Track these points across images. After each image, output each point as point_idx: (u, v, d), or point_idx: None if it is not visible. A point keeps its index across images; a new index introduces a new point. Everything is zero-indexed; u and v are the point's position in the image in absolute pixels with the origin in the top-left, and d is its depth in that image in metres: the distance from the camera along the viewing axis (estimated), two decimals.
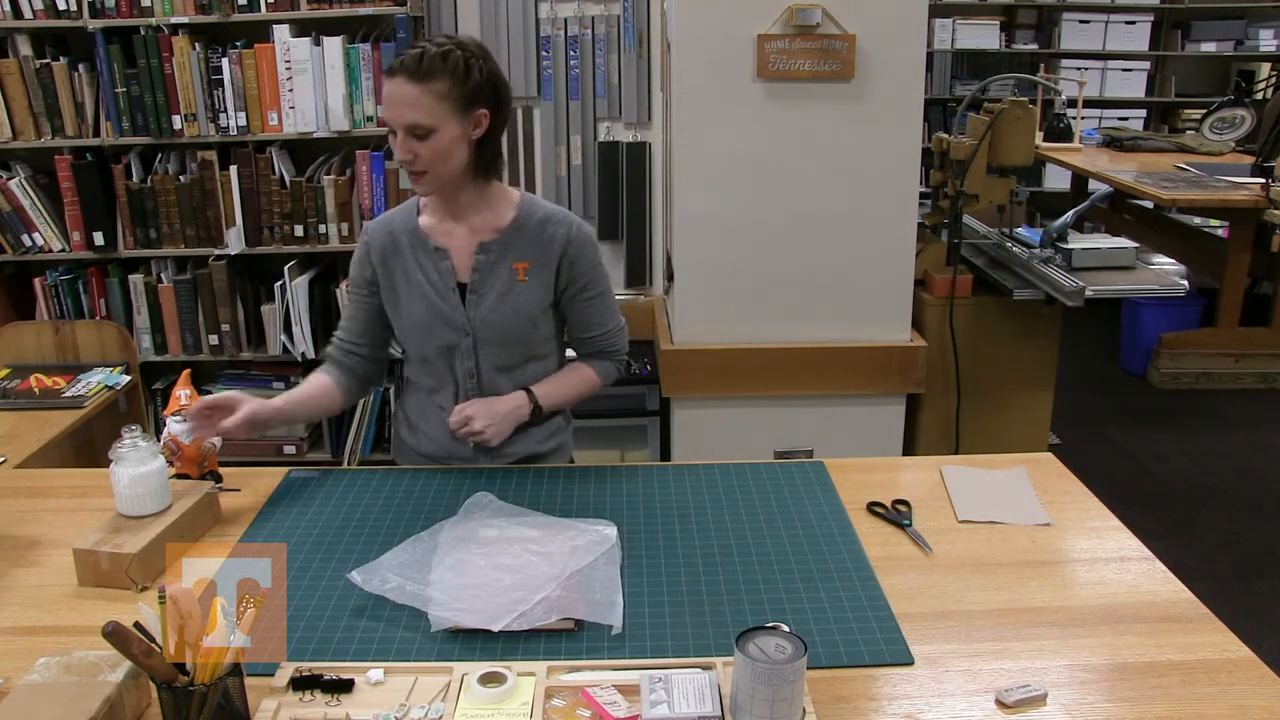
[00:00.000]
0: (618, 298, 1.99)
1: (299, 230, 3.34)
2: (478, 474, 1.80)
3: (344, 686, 1.20)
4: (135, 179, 3.33)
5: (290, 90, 3.23)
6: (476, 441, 1.80)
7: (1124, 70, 6.09)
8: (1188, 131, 5.50)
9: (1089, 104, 5.49)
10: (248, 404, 1.70)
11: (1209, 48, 6.04)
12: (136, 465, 1.53)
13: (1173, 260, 4.95)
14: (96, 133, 3.31)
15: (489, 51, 1.75)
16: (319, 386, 1.89)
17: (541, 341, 1.87)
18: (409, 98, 1.65)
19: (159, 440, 1.73)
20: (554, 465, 1.90)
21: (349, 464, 3.55)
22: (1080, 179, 5.32)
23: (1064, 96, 5.16)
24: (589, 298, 1.87)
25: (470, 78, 1.69)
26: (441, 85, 1.66)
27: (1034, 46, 6.07)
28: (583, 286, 1.86)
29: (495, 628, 1.31)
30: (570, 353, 1.98)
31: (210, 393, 3.42)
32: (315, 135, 3.27)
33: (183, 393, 1.73)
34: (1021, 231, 3.32)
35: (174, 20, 3.18)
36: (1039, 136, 4.49)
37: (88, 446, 2.76)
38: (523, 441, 1.88)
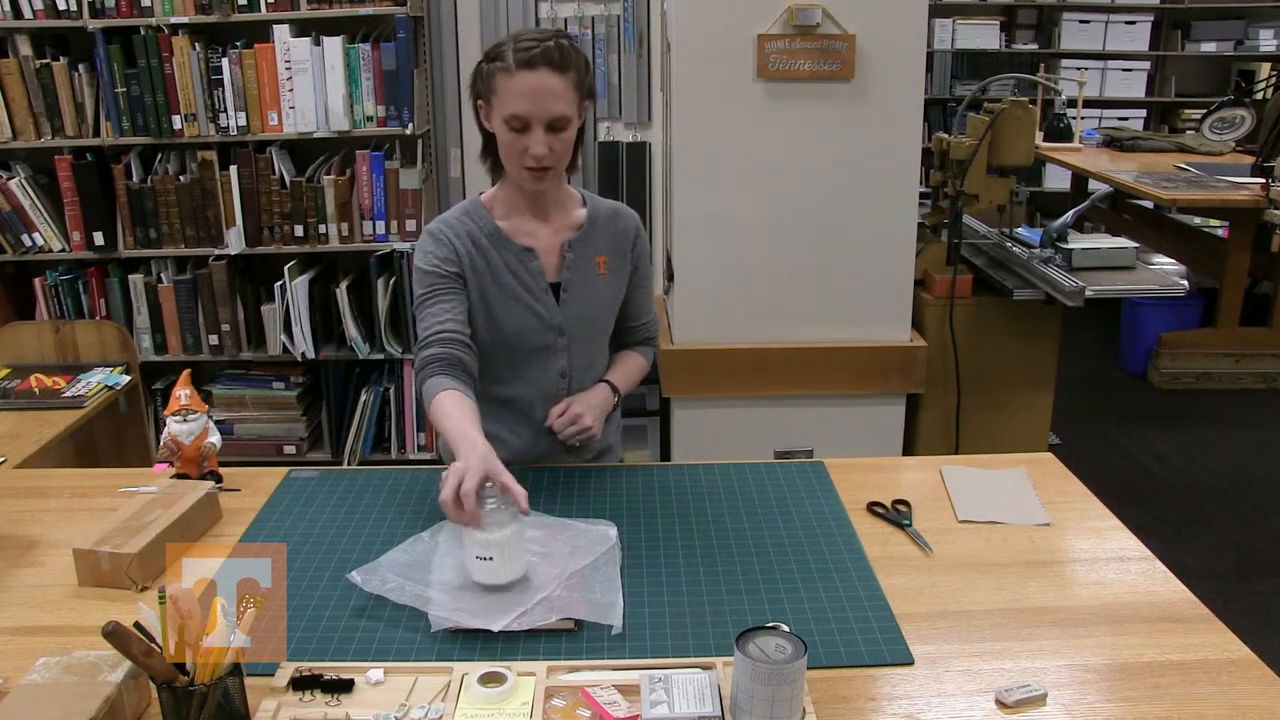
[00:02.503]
0: None
1: (299, 230, 3.34)
2: None
3: (344, 686, 1.20)
4: (135, 179, 3.33)
5: (290, 90, 3.23)
6: (584, 440, 1.78)
7: (1124, 70, 6.09)
8: (1188, 131, 5.50)
9: (1089, 104, 5.49)
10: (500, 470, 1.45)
11: (1209, 48, 6.04)
12: (497, 529, 1.38)
13: (1173, 260, 4.95)
14: (96, 133, 3.31)
15: None
16: (469, 404, 1.61)
17: (609, 333, 1.90)
18: (557, 89, 1.61)
19: (159, 441, 1.73)
20: (561, 466, 1.90)
21: (349, 464, 3.55)
22: (1080, 179, 5.32)
23: (1064, 96, 5.16)
24: (645, 286, 1.91)
25: (589, 69, 1.69)
26: (575, 75, 1.64)
27: (1034, 46, 6.07)
28: (642, 275, 1.89)
29: (495, 628, 1.31)
30: None
31: (210, 393, 3.46)
32: (315, 135, 3.27)
33: (183, 393, 1.73)
34: (1021, 231, 3.32)
35: (174, 20, 3.18)
36: (1039, 136, 4.49)
37: (88, 446, 2.76)
38: (603, 436, 1.89)
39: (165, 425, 1.72)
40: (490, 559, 1.37)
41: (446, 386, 1.62)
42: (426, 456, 3.56)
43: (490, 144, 1.73)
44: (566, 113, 1.64)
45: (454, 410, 1.57)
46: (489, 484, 1.41)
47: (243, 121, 3.27)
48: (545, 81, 1.61)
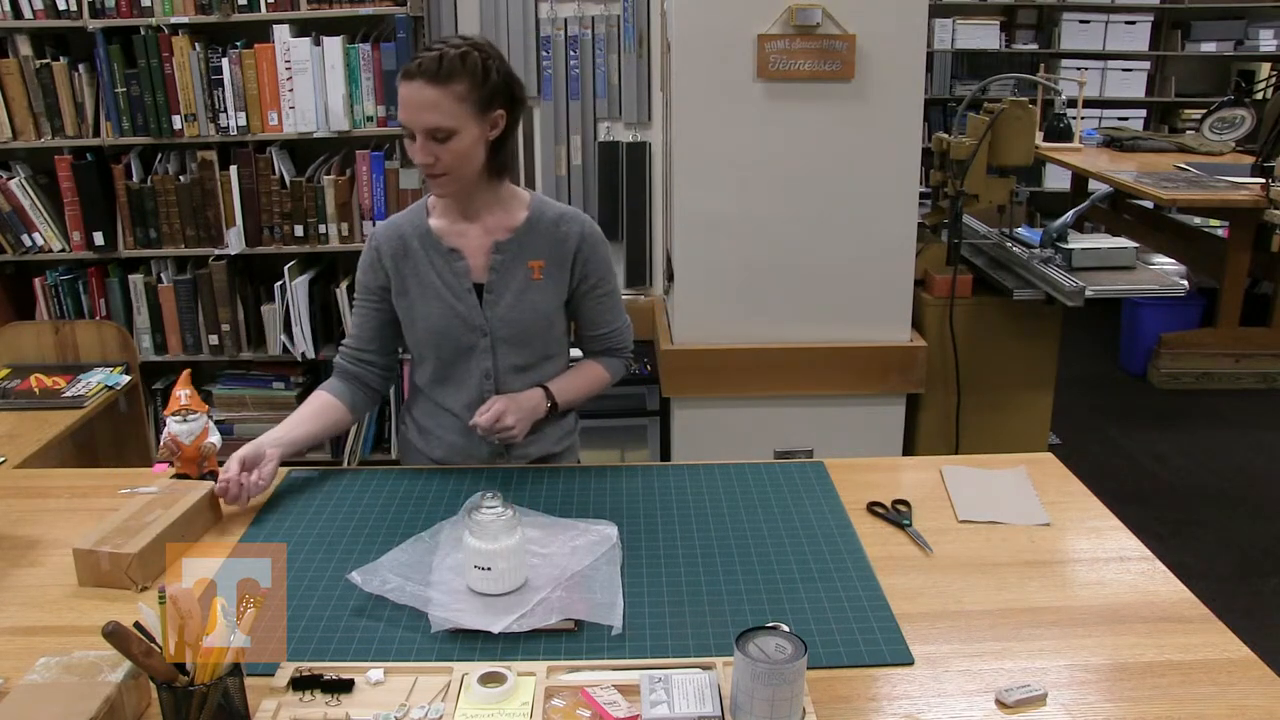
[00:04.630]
0: None
1: (299, 230, 3.34)
2: (478, 474, 1.80)
3: (344, 686, 1.20)
4: (135, 179, 3.32)
5: (290, 90, 3.23)
6: (504, 439, 1.79)
7: (1124, 70, 6.09)
8: (1188, 131, 5.50)
9: (1089, 104, 5.49)
10: (269, 454, 1.69)
11: (1209, 48, 6.04)
12: (496, 539, 1.37)
13: (1173, 260, 4.95)
14: (96, 133, 3.31)
15: (500, 52, 1.74)
16: (324, 406, 1.85)
17: (555, 340, 1.88)
18: (429, 101, 1.64)
19: (159, 442, 1.73)
20: (562, 465, 1.90)
21: (349, 464, 3.55)
22: (1080, 179, 5.32)
23: (1064, 96, 5.16)
24: (600, 295, 1.89)
25: (489, 79, 1.69)
26: (461, 87, 1.65)
27: (1034, 46, 6.07)
28: (594, 284, 1.88)
29: (495, 629, 1.31)
30: (575, 351, 1.98)
31: (210, 393, 3.45)
32: (315, 135, 3.27)
33: (183, 393, 1.73)
34: (1021, 231, 3.32)
35: (174, 20, 3.18)
36: (1039, 136, 4.49)
37: (88, 446, 2.76)
38: (539, 442, 1.89)
39: (165, 425, 1.72)
40: (489, 569, 1.37)
41: (322, 390, 1.87)
42: None
43: None
44: (443, 124, 1.66)
45: (299, 411, 1.83)
46: (490, 493, 1.42)
47: (243, 121, 3.26)
48: (419, 93, 1.65)
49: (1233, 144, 4.73)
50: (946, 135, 3.09)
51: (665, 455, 3.01)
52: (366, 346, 1.90)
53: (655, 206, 3.62)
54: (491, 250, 1.81)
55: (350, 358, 1.91)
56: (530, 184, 3.66)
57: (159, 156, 3.37)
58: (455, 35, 1.75)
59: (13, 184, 3.30)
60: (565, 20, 3.52)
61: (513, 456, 1.88)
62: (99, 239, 3.35)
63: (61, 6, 3.19)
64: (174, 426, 1.70)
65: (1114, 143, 4.97)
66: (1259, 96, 5.16)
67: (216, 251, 3.37)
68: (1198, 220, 5.06)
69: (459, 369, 1.84)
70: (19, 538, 1.60)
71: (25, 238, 3.36)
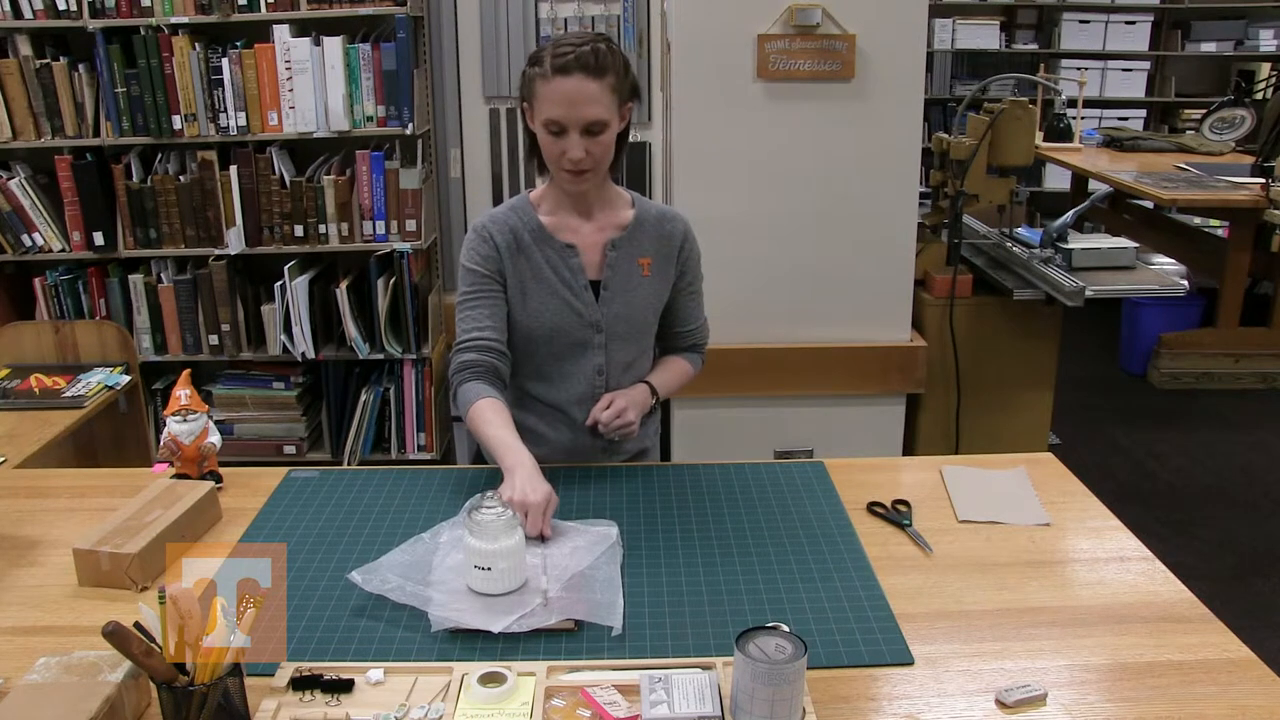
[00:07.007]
0: None
1: (299, 230, 3.34)
2: (478, 474, 1.80)
3: (344, 686, 1.20)
4: (135, 179, 3.32)
5: (290, 90, 3.23)
6: (624, 434, 1.80)
7: (1124, 70, 6.09)
8: (1188, 131, 5.50)
9: (1089, 104, 5.49)
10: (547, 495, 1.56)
11: (1209, 48, 6.04)
12: (496, 539, 1.37)
13: (1173, 260, 4.95)
14: (96, 133, 3.31)
15: None
16: (507, 413, 1.71)
17: (652, 336, 1.91)
18: (592, 94, 1.64)
19: (160, 441, 1.73)
20: (561, 466, 1.90)
21: (349, 464, 3.55)
22: (1080, 179, 5.32)
23: (1064, 96, 5.16)
24: (692, 292, 1.92)
25: (629, 72, 1.71)
26: (613, 79, 1.66)
27: (1034, 46, 6.08)
28: (690, 281, 1.90)
29: (495, 629, 1.31)
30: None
31: (210, 393, 3.46)
32: (315, 135, 3.27)
33: (183, 393, 1.73)
34: (1021, 231, 3.32)
35: (174, 20, 3.18)
36: (1039, 136, 4.49)
37: (88, 446, 2.76)
38: (639, 438, 1.92)
39: (165, 425, 1.72)
40: (489, 569, 1.37)
41: (484, 394, 1.72)
42: (426, 456, 3.56)
43: (536, 144, 1.76)
44: (602, 117, 1.66)
45: (495, 419, 1.68)
46: (490, 493, 1.42)
47: (243, 121, 3.26)
48: (581, 87, 1.63)
49: (1233, 144, 4.73)
50: (946, 135, 3.09)
51: (665, 455, 3.01)
52: (501, 337, 1.78)
53: None
54: (607, 247, 1.81)
55: (488, 350, 1.76)
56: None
57: (159, 156, 3.37)
58: (579, 31, 1.75)
59: (13, 184, 3.30)
60: (565, 20, 3.51)
61: (614, 453, 1.90)
62: (99, 239, 3.35)
63: (61, 6, 3.19)
64: (174, 426, 1.70)
65: (1114, 143, 4.97)
66: (1259, 96, 5.17)
67: (216, 251, 3.37)
68: (1198, 220, 5.07)
69: (569, 366, 1.83)
70: (19, 538, 1.60)
71: (25, 238, 3.36)
